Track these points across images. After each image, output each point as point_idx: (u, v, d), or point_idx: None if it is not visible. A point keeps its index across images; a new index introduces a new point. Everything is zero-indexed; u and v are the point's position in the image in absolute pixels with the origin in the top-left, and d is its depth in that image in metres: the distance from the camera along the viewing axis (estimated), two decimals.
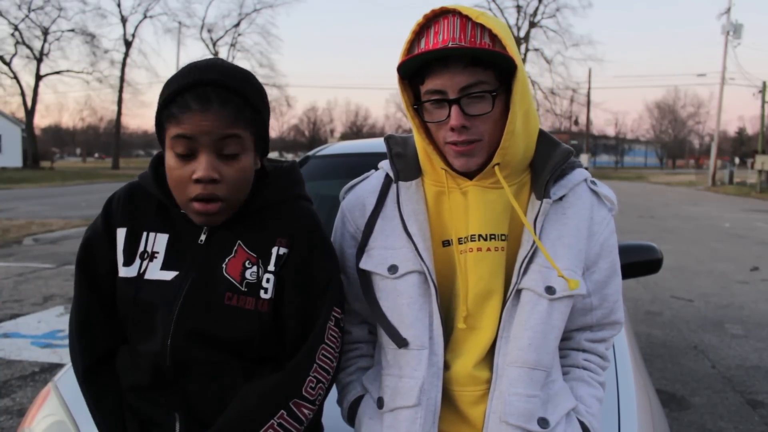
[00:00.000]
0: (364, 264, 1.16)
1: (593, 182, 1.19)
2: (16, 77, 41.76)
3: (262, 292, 1.10)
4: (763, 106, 33.64)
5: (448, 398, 1.11)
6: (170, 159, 1.05)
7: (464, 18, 1.03)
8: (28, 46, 42.08)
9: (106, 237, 1.17)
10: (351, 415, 1.22)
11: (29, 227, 10.74)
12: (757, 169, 27.08)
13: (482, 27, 1.03)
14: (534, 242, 1.08)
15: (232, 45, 49.30)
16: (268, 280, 1.11)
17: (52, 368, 4.00)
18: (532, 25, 44.47)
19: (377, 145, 3.17)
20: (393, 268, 1.13)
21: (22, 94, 41.58)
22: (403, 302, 1.11)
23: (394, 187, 1.19)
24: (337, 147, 3.06)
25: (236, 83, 1.05)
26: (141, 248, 1.14)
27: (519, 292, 1.10)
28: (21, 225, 10.96)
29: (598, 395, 1.18)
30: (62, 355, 4.26)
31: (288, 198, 1.17)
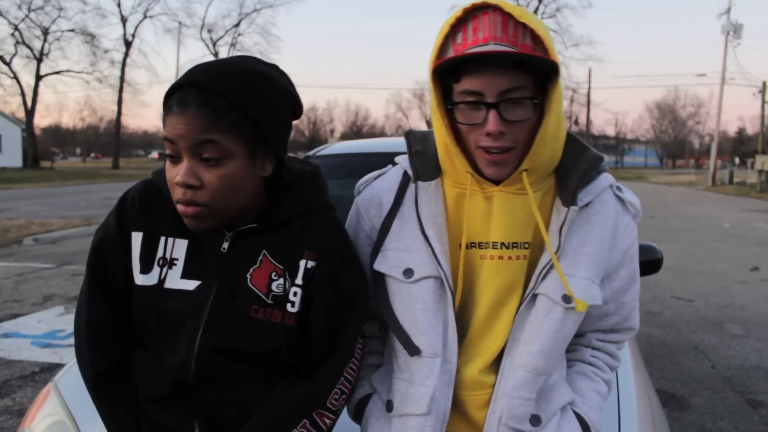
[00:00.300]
0: (379, 265, 1.12)
1: (618, 188, 1.15)
2: (16, 77, 41.81)
3: (289, 305, 1.08)
4: (763, 106, 33.65)
5: (455, 402, 1.09)
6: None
7: (506, 15, 0.97)
8: (28, 46, 42.11)
9: (120, 240, 1.11)
10: (358, 413, 1.20)
11: (29, 227, 10.73)
12: (757, 169, 27.09)
13: (524, 26, 0.97)
14: (557, 249, 1.06)
15: (232, 45, 49.32)
16: (295, 294, 1.08)
17: (52, 368, 4.00)
18: None
19: (377, 144, 3.18)
20: (408, 272, 1.09)
21: (22, 94, 41.62)
22: (418, 308, 1.08)
23: (412, 186, 1.14)
24: (337, 147, 3.06)
25: (221, 85, 0.98)
26: (159, 254, 1.09)
27: (535, 296, 1.07)
28: (21, 225, 10.95)
29: (599, 390, 1.17)
30: (62, 355, 4.26)
31: (315, 208, 1.13)
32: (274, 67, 1.09)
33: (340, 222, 1.16)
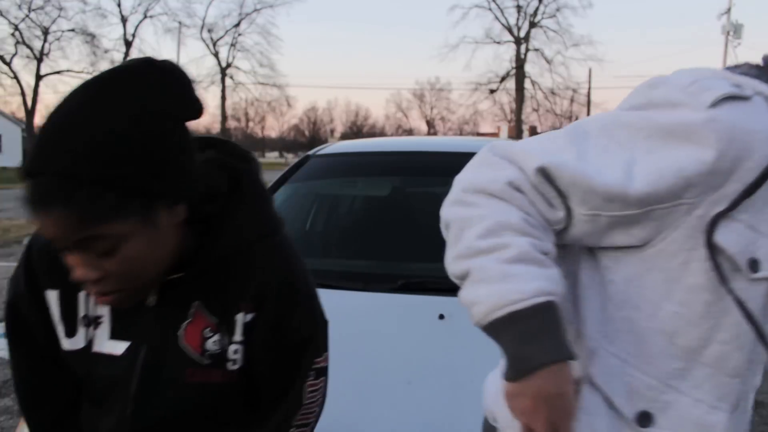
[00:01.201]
0: (724, 238, 0.78)
1: None
2: (16, 77, 41.68)
3: (229, 363, 0.93)
4: None
5: None
6: None
7: None
8: (28, 46, 42.03)
9: (34, 300, 0.96)
10: (519, 317, 0.76)
11: (29, 227, 10.73)
12: None
13: None
14: None
15: (233, 45, 49.28)
16: (236, 351, 0.93)
17: None
18: (532, 25, 44.45)
19: (378, 144, 3.18)
20: (754, 264, 0.79)
21: (23, 94, 41.53)
22: (744, 312, 0.82)
23: None
24: (337, 146, 3.06)
25: (83, 166, 0.73)
26: (81, 312, 0.95)
27: None
28: (21, 225, 10.96)
29: None
30: None
31: (250, 243, 0.93)
32: (139, 71, 0.84)
33: (285, 251, 0.96)
